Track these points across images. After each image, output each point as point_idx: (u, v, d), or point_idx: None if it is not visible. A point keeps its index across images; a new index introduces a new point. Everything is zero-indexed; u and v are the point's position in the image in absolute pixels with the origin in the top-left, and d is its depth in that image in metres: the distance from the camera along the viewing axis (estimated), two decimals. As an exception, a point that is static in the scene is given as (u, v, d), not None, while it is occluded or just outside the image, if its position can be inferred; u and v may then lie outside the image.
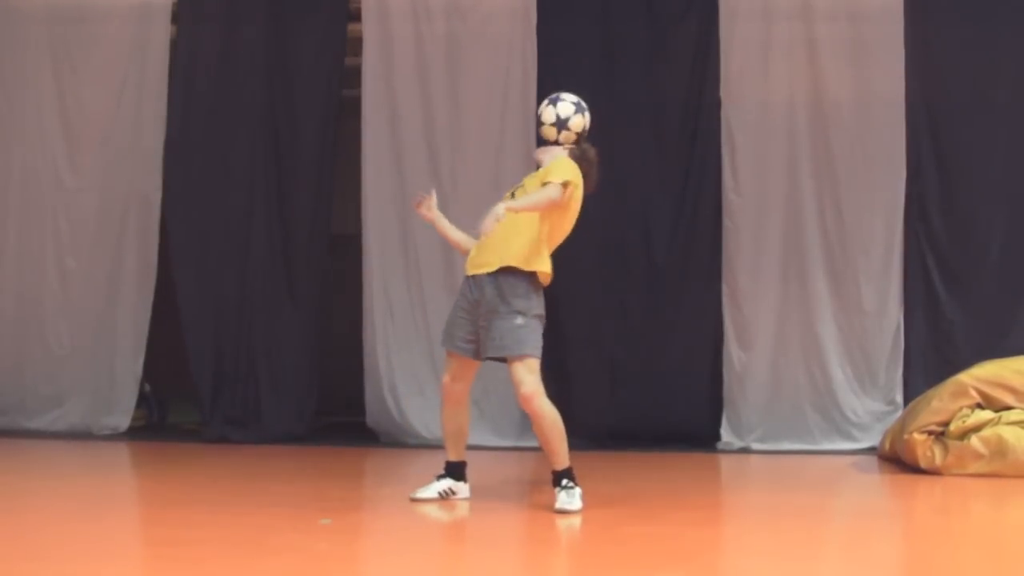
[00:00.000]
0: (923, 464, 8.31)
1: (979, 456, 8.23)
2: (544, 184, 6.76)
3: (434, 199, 7.26)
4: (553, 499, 6.82)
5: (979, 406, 8.36)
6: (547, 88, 9.67)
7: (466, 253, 7.16)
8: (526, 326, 6.75)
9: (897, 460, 8.67)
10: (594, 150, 7.01)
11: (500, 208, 6.57)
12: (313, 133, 9.88)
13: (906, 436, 8.42)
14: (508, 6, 9.80)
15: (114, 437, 9.82)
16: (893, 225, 9.55)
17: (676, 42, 9.72)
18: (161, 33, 10.02)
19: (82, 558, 5.75)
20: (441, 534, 6.53)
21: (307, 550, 5.92)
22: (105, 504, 7.27)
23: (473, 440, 9.45)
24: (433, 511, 7.04)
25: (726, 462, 9.21)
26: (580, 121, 6.96)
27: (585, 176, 6.91)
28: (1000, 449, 8.21)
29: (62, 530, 6.38)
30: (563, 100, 6.98)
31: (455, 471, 7.18)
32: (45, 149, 10.12)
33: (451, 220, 9.64)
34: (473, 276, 6.90)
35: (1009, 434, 8.22)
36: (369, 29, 9.87)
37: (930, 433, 8.34)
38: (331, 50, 9.92)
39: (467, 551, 6.12)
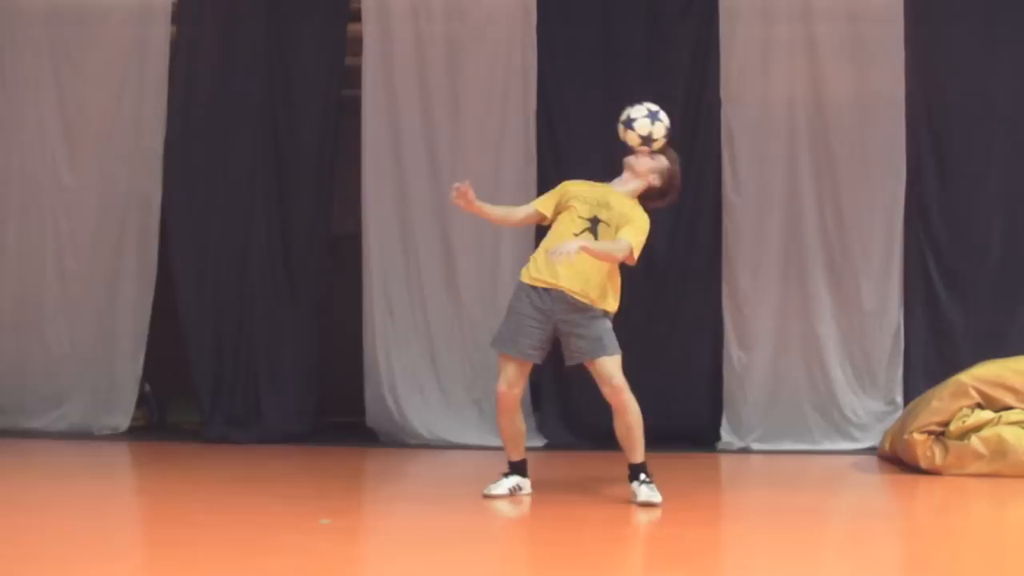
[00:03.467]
0: (923, 464, 8.31)
1: (979, 456, 8.23)
2: (623, 225, 7.13)
3: (471, 191, 7.31)
4: (630, 493, 7.12)
5: (979, 406, 8.36)
6: (547, 88, 9.72)
7: (502, 222, 7.75)
8: (611, 327, 7.18)
9: (897, 460, 8.67)
10: (678, 167, 7.45)
11: (574, 245, 6.88)
12: (313, 133, 9.87)
13: (906, 436, 8.42)
14: (508, 6, 9.79)
15: (114, 437, 9.81)
16: (893, 225, 9.55)
17: (676, 42, 9.71)
18: (161, 33, 10.00)
19: (82, 558, 5.75)
20: (440, 534, 6.53)
21: (307, 550, 5.93)
22: (105, 504, 7.27)
23: (473, 440, 9.55)
24: (432, 512, 7.05)
25: (726, 462, 9.21)
26: (661, 128, 7.30)
27: (668, 190, 7.41)
28: (1000, 449, 8.22)
29: (62, 530, 6.38)
30: (635, 120, 7.27)
31: (520, 469, 7.38)
32: (45, 149, 10.10)
33: (450, 220, 9.75)
34: (546, 289, 7.14)
35: (1009, 434, 8.22)
36: (369, 29, 9.86)
37: (930, 433, 8.34)
38: (331, 50, 9.91)
39: (467, 551, 6.12)
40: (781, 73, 9.64)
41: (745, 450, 9.49)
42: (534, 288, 7.17)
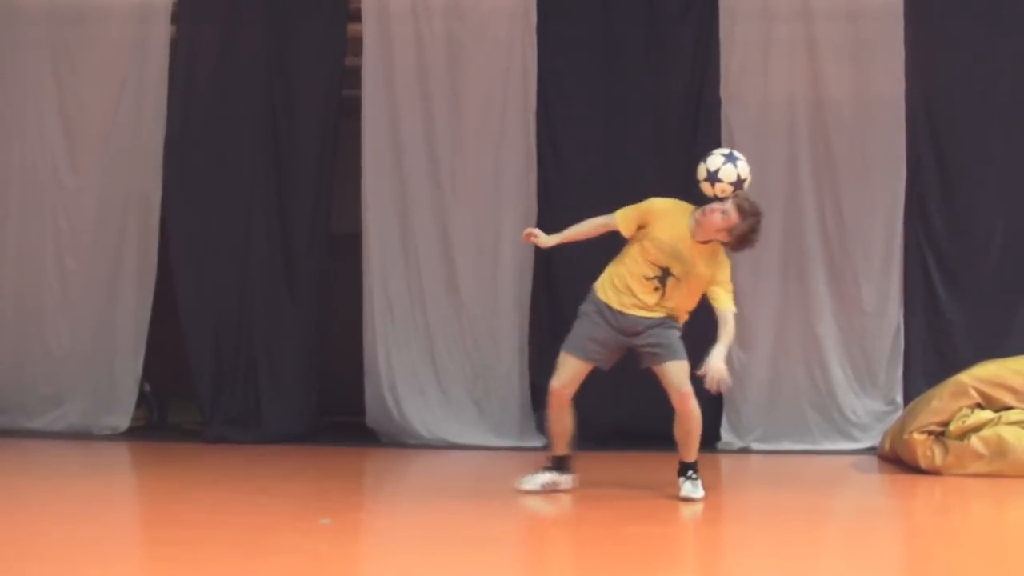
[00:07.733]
0: (923, 464, 8.31)
1: (979, 456, 8.23)
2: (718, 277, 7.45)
3: (540, 235, 7.67)
4: (677, 488, 7.38)
5: (979, 406, 8.36)
6: (547, 88, 9.72)
7: (587, 236, 7.67)
8: (681, 337, 7.48)
9: (897, 460, 8.67)
10: (753, 221, 7.41)
11: (725, 375, 7.31)
12: (313, 133, 9.87)
13: (906, 436, 8.42)
14: (508, 6, 9.79)
15: (114, 437, 9.81)
16: (893, 225, 9.55)
17: (676, 42, 9.71)
18: (161, 33, 10.00)
19: (82, 558, 5.76)
20: (440, 534, 6.53)
21: (307, 550, 5.93)
22: (105, 504, 7.28)
23: (474, 440, 9.55)
24: (432, 512, 7.05)
25: (726, 462, 9.21)
26: (725, 186, 7.38)
27: (739, 245, 7.46)
28: (1000, 449, 8.22)
29: (62, 530, 6.38)
30: (700, 181, 7.43)
31: (561, 464, 7.57)
32: (45, 149, 10.10)
33: (450, 220, 9.76)
34: (620, 311, 7.41)
35: (1009, 434, 8.23)
36: (369, 29, 9.86)
37: (930, 433, 8.34)
38: (331, 50, 9.91)
39: (466, 551, 6.12)
40: (781, 73, 9.64)
41: (745, 450, 9.49)
42: (608, 306, 7.42)
